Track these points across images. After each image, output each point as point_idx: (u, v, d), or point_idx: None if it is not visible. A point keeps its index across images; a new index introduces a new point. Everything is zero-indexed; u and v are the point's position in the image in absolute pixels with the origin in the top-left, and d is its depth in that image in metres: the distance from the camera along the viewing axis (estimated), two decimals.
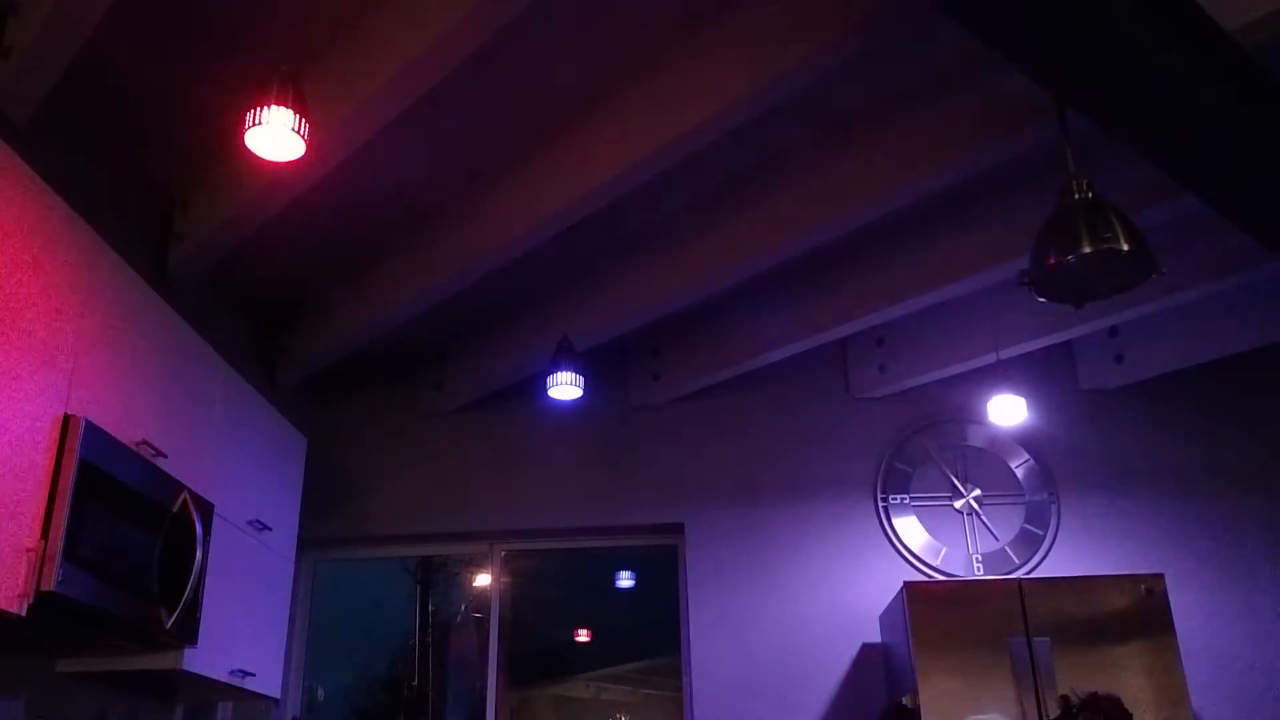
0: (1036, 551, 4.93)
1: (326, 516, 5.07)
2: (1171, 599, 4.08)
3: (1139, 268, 2.83)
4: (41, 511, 2.66)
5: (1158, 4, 2.43)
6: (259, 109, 2.71)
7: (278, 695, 4.21)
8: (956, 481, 5.11)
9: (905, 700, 4.15)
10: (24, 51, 2.94)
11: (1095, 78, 2.58)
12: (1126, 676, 3.92)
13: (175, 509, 3.21)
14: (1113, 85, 2.59)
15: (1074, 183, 2.87)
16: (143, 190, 3.88)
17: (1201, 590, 4.70)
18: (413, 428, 5.43)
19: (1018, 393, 4.57)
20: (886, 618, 4.67)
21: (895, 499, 5.10)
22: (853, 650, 4.82)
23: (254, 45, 3.23)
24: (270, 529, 4.08)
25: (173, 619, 3.13)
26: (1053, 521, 4.98)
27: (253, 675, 3.81)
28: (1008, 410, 4.54)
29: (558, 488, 5.26)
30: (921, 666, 4.03)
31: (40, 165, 2.80)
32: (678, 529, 5.20)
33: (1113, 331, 5.03)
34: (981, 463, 5.16)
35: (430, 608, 6.46)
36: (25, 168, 2.74)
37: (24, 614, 2.56)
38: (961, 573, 4.91)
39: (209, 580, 3.42)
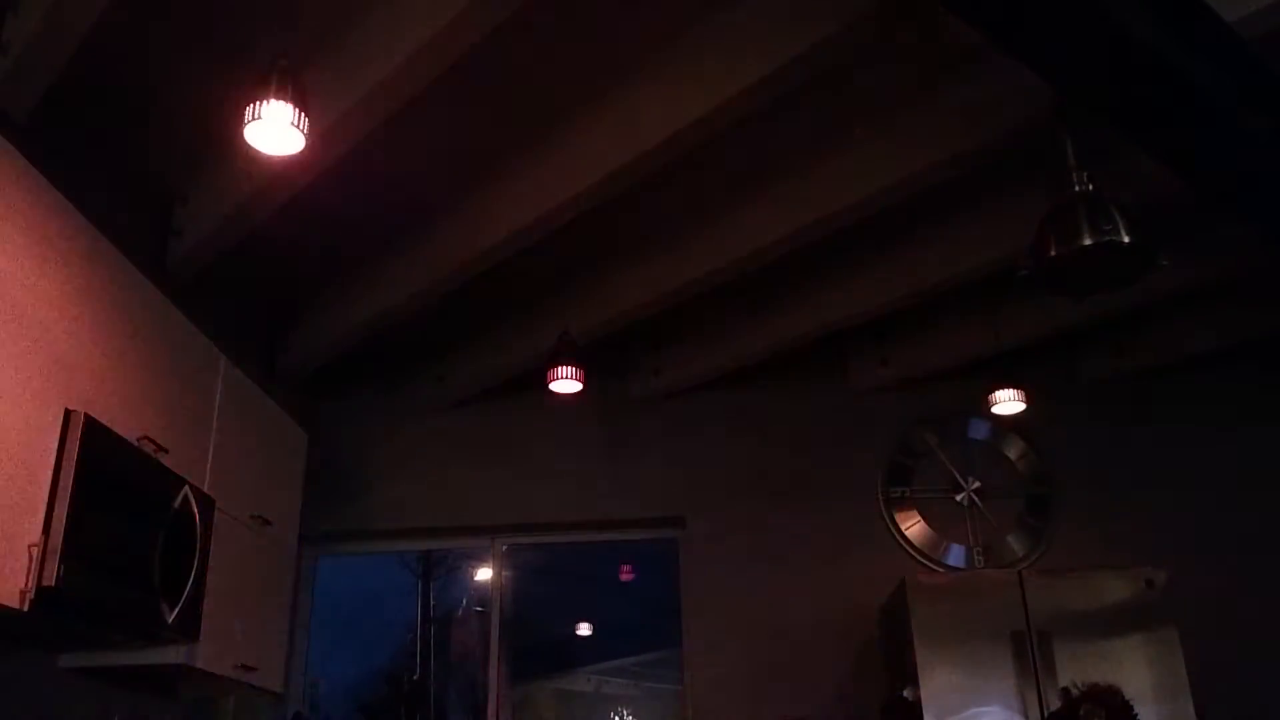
0: (1037, 544, 4.94)
1: (328, 511, 5.07)
2: (1172, 591, 4.08)
3: (1139, 260, 2.83)
4: (43, 507, 2.66)
5: None
6: (258, 103, 2.70)
7: (280, 689, 4.22)
8: (957, 474, 5.11)
9: (906, 693, 4.15)
10: (24, 48, 2.93)
11: (1095, 70, 2.58)
12: (1127, 669, 3.92)
13: (177, 504, 3.21)
14: (1113, 78, 2.59)
15: (1074, 175, 2.87)
16: (142, 185, 3.88)
17: (1202, 582, 4.69)
18: (414, 422, 5.44)
19: (1018, 385, 4.57)
20: (887, 610, 4.67)
21: (896, 492, 5.10)
22: (854, 643, 4.83)
23: (253, 39, 3.22)
24: (271, 524, 4.08)
25: (175, 614, 3.13)
26: (1053, 514, 4.99)
27: (255, 670, 3.81)
28: (1008, 403, 4.54)
29: (558, 482, 5.26)
30: (922, 659, 4.03)
31: (40, 161, 2.80)
32: (678, 522, 5.20)
33: (1113, 323, 5.02)
34: (982, 455, 5.16)
35: (431, 602, 6.47)
36: (25, 164, 2.73)
37: (26, 609, 2.56)
38: (962, 565, 4.92)
39: (211, 575, 3.42)
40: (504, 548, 5.41)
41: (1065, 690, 3.56)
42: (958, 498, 5.08)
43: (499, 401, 5.35)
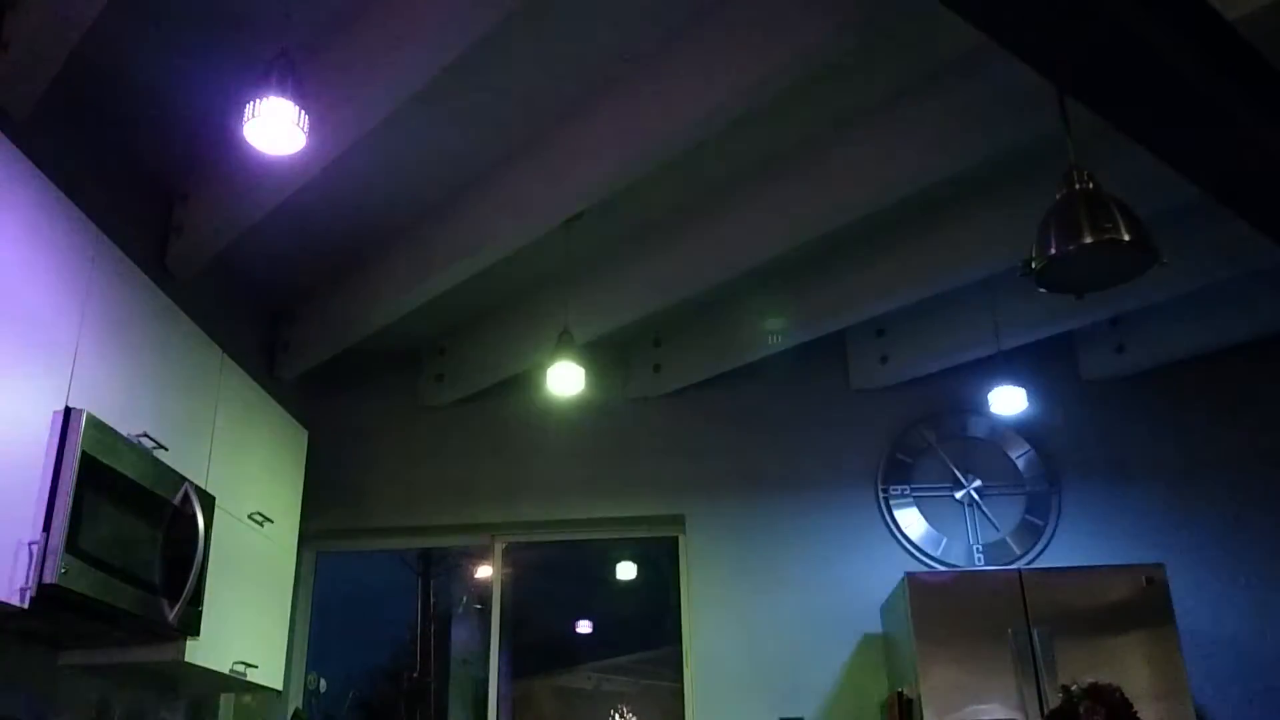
0: (1037, 542, 4.93)
1: (328, 509, 5.07)
2: (1172, 588, 4.08)
3: (1140, 258, 2.82)
4: (43, 504, 2.66)
5: None
6: (258, 102, 2.70)
7: (279, 687, 4.22)
8: (957, 472, 5.11)
9: (906, 690, 4.16)
10: (23, 45, 2.93)
11: (1096, 68, 2.58)
12: (1127, 666, 3.92)
13: (177, 501, 3.21)
14: (1114, 76, 2.59)
15: (1075, 173, 2.87)
16: (142, 183, 3.88)
17: (1202, 579, 4.70)
18: (414, 420, 5.44)
19: (1018, 383, 4.56)
20: (887, 608, 4.67)
21: (896, 490, 5.10)
22: (853, 641, 4.83)
23: (253, 37, 3.23)
24: (271, 521, 4.09)
25: (175, 611, 3.14)
26: (1053, 512, 4.99)
27: (254, 667, 3.82)
28: (1008, 401, 4.54)
29: (558, 480, 5.26)
30: (922, 657, 4.03)
31: (40, 159, 2.80)
32: (678, 521, 5.20)
33: (1114, 321, 5.02)
34: (982, 453, 5.16)
35: (431, 599, 6.47)
36: (25, 161, 2.74)
37: (26, 606, 2.57)
38: (962, 563, 4.92)
39: (211, 573, 3.43)
40: (504, 546, 5.41)
41: (1065, 688, 3.54)
42: (958, 496, 5.08)
43: (499, 400, 5.35)
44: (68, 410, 2.80)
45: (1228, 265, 4.21)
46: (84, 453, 2.77)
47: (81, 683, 3.47)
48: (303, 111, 2.76)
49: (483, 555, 5.57)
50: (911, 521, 5.04)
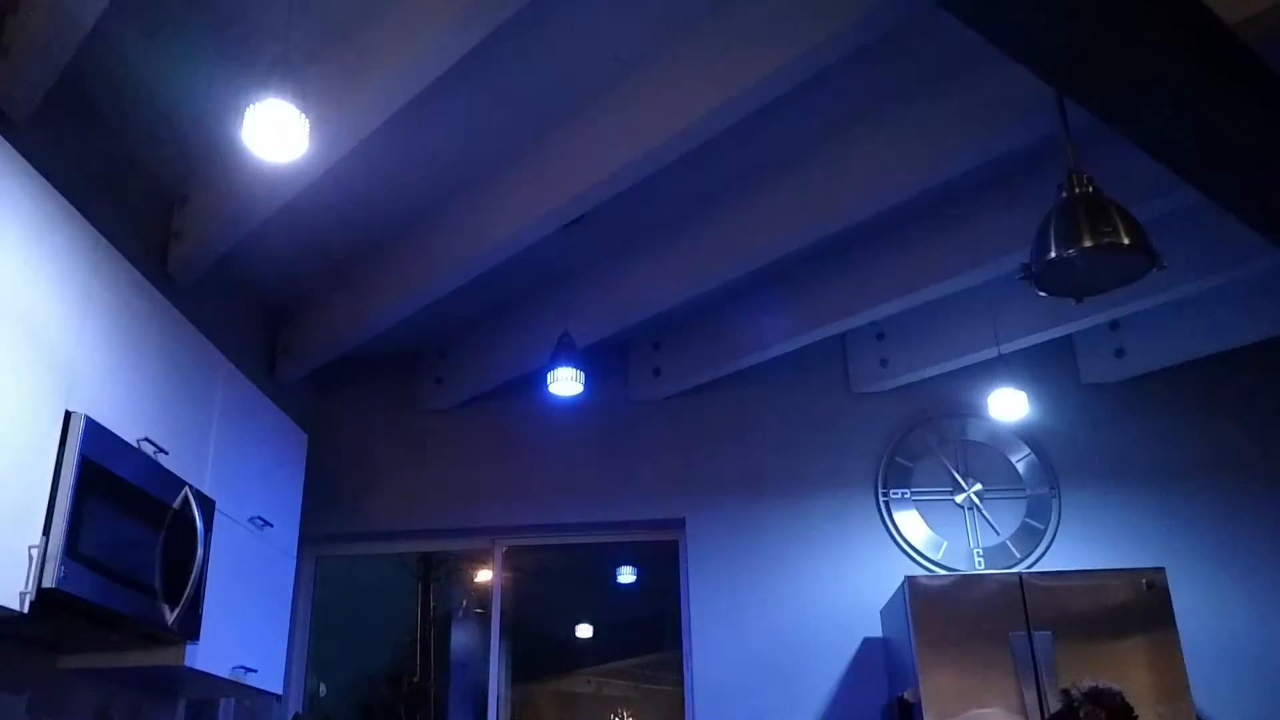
0: (1037, 545, 4.93)
1: (328, 512, 5.07)
2: (1172, 592, 4.08)
3: (1139, 262, 2.82)
4: (43, 509, 2.66)
5: None
6: (259, 105, 2.70)
7: (280, 691, 4.21)
8: (957, 476, 5.11)
9: (906, 694, 4.15)
10: (24, 49, 2.93)
11: (1095, 72, 2.58)
12: (1128, 670, 3.92)
13: (176, 505, 3.21)
14: (1113, 79, 2.59)
15: (1074, 177, 2.86)
16: (143, 187, 3.88)
17: (1202, 583, 4.70)
18: (414, 423, 5.43)
19: (1018, 387, 4.56)
20: (888, 612, 4.67)
21: (896, 493, 5.10)
22: (854, 645, 4.83)
23: (254, 41, 3.23)
24: (272, 525, 4.08)
25: (174, 615, 3.13)
26: (1054, 515, 4.98)
27: (254, 671, 3.81)
28: (1008, 404, 4.54)
29: (559, 483, 5.26)
30: (922, 661, 4.03)
31: (40, 162, 2.80)
32: (679, 524, 5.20)
33: (1113, 325, 5.02)
34: (982, 457, 5.16)
35: (432, 603, 6.47)
36: (25, 164, 2.73)
37: (25, 611, 2.56)
38: (963, 567, 4.92)
39: (211, 577, 3.42)
40: (504, 549, 5.40)
41: (1065, 692, 3.55)
42: (958, 499, 5.08)
43: (499, 403, 5.35)
44: (68, 414, 2.79)
45: (1227, 268, 4.21)
46: (84, 457, 2.76)
47: (81, 687, 3.46)
48: (303, 115, 2.75)
49: (483, 559, 5.56)
50: (912, 525, 5.03)
